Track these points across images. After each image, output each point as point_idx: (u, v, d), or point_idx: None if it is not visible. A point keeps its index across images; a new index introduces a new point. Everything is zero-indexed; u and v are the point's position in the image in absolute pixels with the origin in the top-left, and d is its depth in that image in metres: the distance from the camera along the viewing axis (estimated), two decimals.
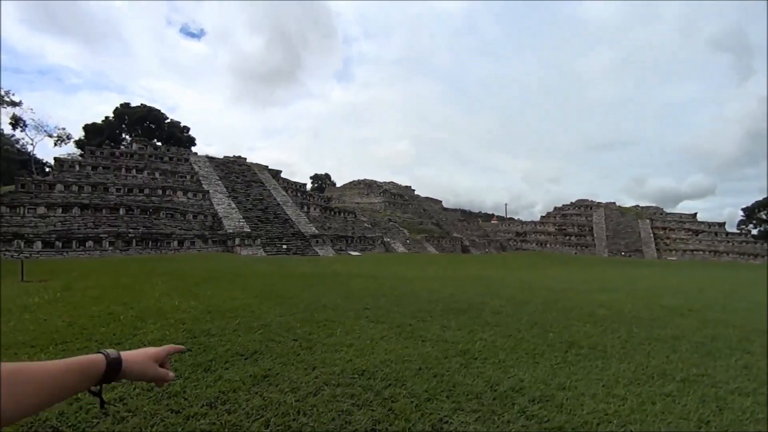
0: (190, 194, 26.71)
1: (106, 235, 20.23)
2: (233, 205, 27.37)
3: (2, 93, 42.55)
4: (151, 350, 0.85)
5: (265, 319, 5.02)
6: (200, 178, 29.03)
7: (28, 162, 47.16)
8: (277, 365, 3.37)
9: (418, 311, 5.92)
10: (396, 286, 9.02)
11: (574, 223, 51.92)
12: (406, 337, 4.43)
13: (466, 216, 64.67)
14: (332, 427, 2.42)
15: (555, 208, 56.85)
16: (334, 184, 71.37)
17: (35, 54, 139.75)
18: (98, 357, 0.74)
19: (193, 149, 48.94)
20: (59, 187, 22.21)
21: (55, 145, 50.69)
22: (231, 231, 24.32)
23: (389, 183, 50.94)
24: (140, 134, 51.53)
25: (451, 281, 10.85)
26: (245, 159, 35.56)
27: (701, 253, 43.85)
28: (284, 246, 25.31)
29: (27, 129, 47.04)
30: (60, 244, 18.91)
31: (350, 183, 51.45)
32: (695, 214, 51.19)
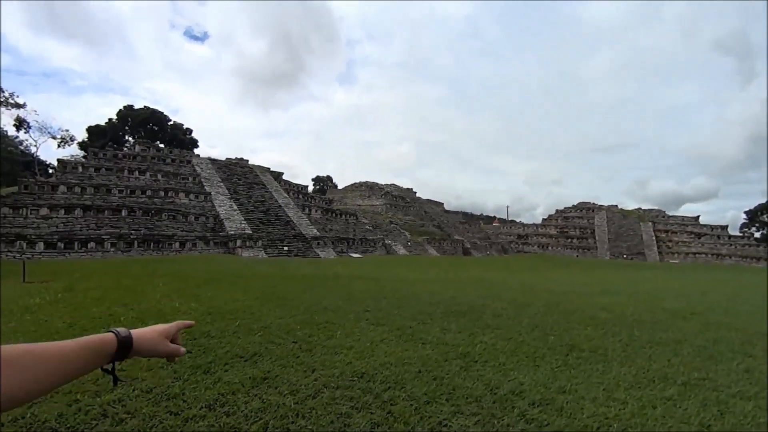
0: (192, 196, 26.77)
1: (108, 237, 20.29)
2: (235, 207, 27.42)
3: (7, 95, 42.79)
4: (161, 327, 0.86)
5: (265, 321, 5.02)
6: (202, 179, 29.10)
7: (32, 163, 47.43)
8: (276, 367, 3.37)
9: (419, 314, 5.91)
10: (397, 288, 9.01)
11: (575, 225, 51.80)
12: (407, 340, 4.42)
13: (468, 218, 64.60)
14: (331, 430, 2.41)
15: (557, 211, 56.76)
16: (336, 187, 71.47)
17: (40, 56, 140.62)
18: (109, 336, 0.75)
19: (196, 151, 49.09)
20: (62, 188, 22.30)
21: (59, 146, 51.05)
22: (232, 233, 24.35)
23: (391, 185, 50.95)
24: (143, 136, 51.75)
25: (452, 284, 10.83)
26: (247, 161, 35.64)
27: (704, 256, 43.66)
28: (285, 248, 25.32)
29: (31, 131, 47.37)
30: (62, 245, 18.96)
31: (352, 185, 51.49)
32: (698, 217, 51.03)
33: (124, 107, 57.24)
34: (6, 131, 46.18)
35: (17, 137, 48.09)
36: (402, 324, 5.17)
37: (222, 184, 29.57)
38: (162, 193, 25.63)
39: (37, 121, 47.84)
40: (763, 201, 66.57)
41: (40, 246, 18.50)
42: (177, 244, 22.28)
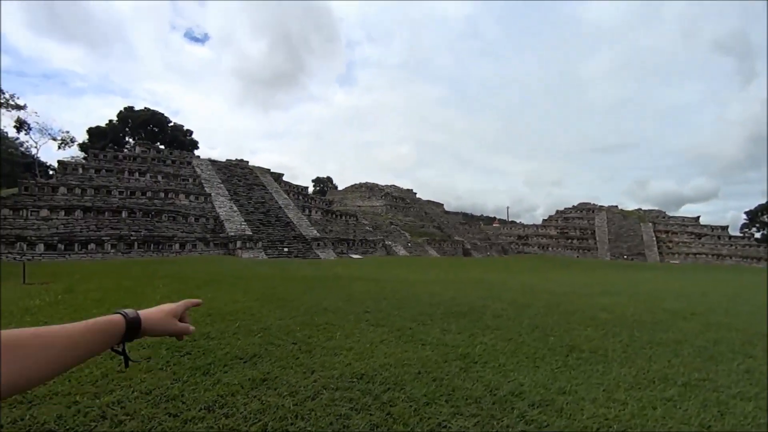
0: (192, 197, 26.79)
1: (108, 238, 20.30)
2: (235, 208, 27.43)
3: (7, 96, 42.86)
4: (169, 306, 0.86)
5: (265, 323, 5.02)
6: (202, 181, 29.12)
7: (32, 165, 47.48)
8: (276, 369, 3.37)
9: (419, 315, 5.90)
10: (397, 289, 9.01)
11: (576, 226, 51.79)
12: (406, 341, 4.42)
13: (468, 219, 64.61)
14: None
15: (557, 212, 56.75)
16: (336, 188, 71.51)
17: (40, 58, 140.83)
18: (116, 317, 0.75)
19: (196, 152, 49.12)
20: (62, 189, 22.32)
21: (59, 148, 51.11)
22: (232, 234, 24.35)
23: (391, 186, 50.98)
24: (144, 137, 51.81)
25: (452, 285, 10.82)
26: (247, 162, 35.69)
27: (704, 256, 43.64)
28: (286, 249, 25.32)
29: (31, 132, 47.46)
30: (62, 247, 18.97)
31: (352, 186, 51.52)
32: (698, 217, 51.02)
33: (125, 109, 57.34)
34: (6, 133, 46.29)
35: (18, 139, 48.22)
36: (402, 325, 5.16)
37: (222, 185, 29.59)
38: (162, 195, 25.65)
39: (37, 123, 47.97)
40: (764, 201, 66.58)
41: (41, 247, 18.50)
42: (177, 246, 22.28)
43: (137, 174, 26.76)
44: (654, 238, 47.48)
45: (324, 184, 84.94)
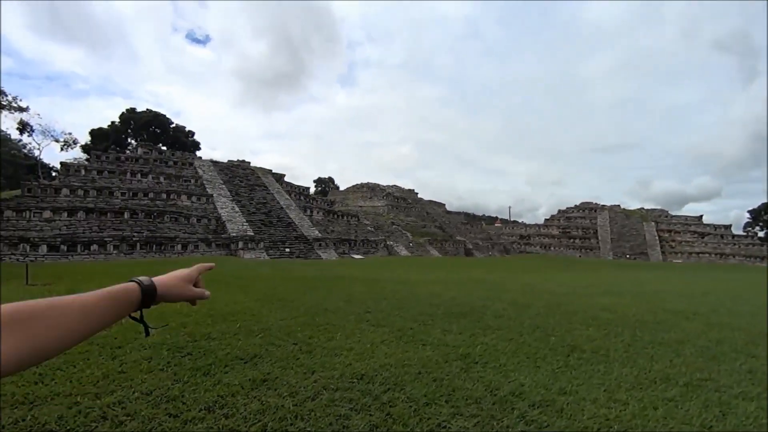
0: (194, 198, 26.85)
1: (110, 239, 20.36)
2: (237, 209, 27.47)
3: (10, 98, 43.06)
4: (182, 272, 0.86)
5: (266, 323, 5.02)
6: (204, 182, 29.19)
7: (35, 166, 47.68)
8: (276, 369, 3.37)
9: (420, 315, 5.90)
10: (398, 289, 9.00)
11: (578, 226, 51.66)
12: (407, 341, 4.42)
13: (470, 219, 64.54)
14: None
15: (559, 211, 56.63)
16: (338, 188, 71.51)
17: (42, 60, 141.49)
18: (131, 285, 0.75)
19: (198, 153, 49.27)
20: (65, 191, 22.41)
21: (62, 149, 51.25)
22: (234, 234, 24.39)
23: (392, 186, 50.96)
24: (146, 139, 51.97)
25: (453, 285, 10.81)
26: (249, 163, 35.74)
27: (707, 255, 43.45)
28: (287, 249, 25.35)
29: (34, 134, 47.62)
30: (65, 248, 19.04)
31: (353, 186, 51.53)
32: (701, 216, 50.82)
33: (127, 110, 57.55)
34: (9, 135, 46.50)
35: (20, 140, 48.39)
36: (402, 325, 5.16)
37: (224, 186, 29.65)
38: (164, 196, 25.72)
39: (40, 125, 48.33)
40: (767, 200, 66.25)
41: (43, 249, 18.58)
42: (179, 246, 22.33)
43: (139, 175, 26.84)
44: (657, 238, 47.32)
45: (325, 184, 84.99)
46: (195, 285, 0.87)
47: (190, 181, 28.72)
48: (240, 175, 32.33)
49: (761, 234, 62.13)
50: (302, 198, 34.37)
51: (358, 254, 28.50)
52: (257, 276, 11.67)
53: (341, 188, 64.87)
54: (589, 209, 54.34)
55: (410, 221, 41.56)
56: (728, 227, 48.02)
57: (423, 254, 33.26)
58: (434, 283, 11.32)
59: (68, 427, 2.41)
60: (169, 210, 24.36)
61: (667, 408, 2.88)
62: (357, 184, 51.27)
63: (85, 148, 51.14)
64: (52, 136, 49.28)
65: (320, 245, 26.97)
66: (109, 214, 22.08)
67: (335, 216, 33.72)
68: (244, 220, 26.42)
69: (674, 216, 52.57)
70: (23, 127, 46.05)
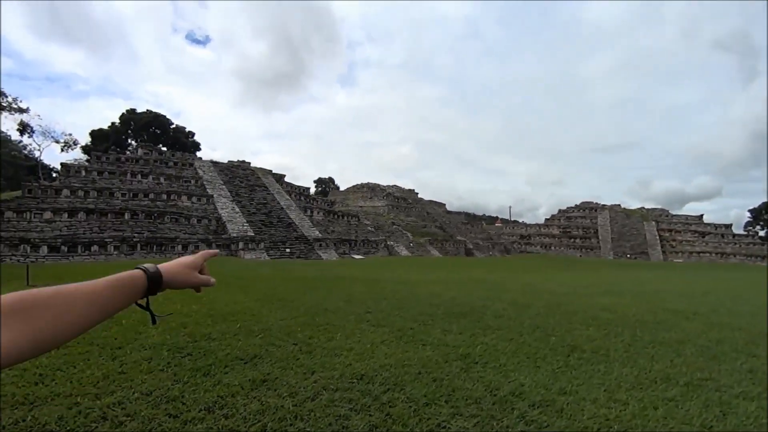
0: (194, 199, 26.86)
1: (111, 240, 20.38)
2: (237, 210, 27.48)
3: (10, 99, 43.11)
4: (187, 258, 0.85)
5: (266, 323, 5.02)
6: (204, 182, 29.20)
7: (35, 167, 47.72)
8: (276, 369, 3.37)
9: (420, 315, 5.90)
10: (398, 289, 9.00)
11: (578, 225, 51.64)
12: (407, 341, 4.42)
13: (470, 219, 64.52)
14: None
15: (559, 211, 56.61)
16: (338, 188, 71.50)
17: (43, 61, 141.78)
18: (137, 272, 0.74)
19: (198, 154, 49.34)
20: (65, 192, 22.43)
21: (62, 150, 51.33)
22: (235, 235, 24.40)
23: (392, 186, 50.95)
24: (146, 139, 52.00)
25: (453, 284, 10.81)
26: (249, 163, 35.75)
27: (708, 255, 43.41)
28: (287, 250, 25.35)
29: (34, 135, 47.67)
30: (65, 249, 19.06)
31: (354, 187, 51.53)
32: (701, 215, 50.78)
33: (127, 111, 57.60)
34: (10, 136, 46.54)
35: (21, 141, 48.45)
36: (403, 325, 5.16)
37: (224, 186, 29.67)
38: (165, 196, 25.74)
39: (40, 126, 48.32)
40: (767, 199, 66.17)
41: (44, 249, 18.60)
42: (180, 247, 22.34)
43: (140, 176, 26.86)
44: (657, 237, 47.28)
45: (326, 184, 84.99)
46: (200, 272, 0.87)
47: (190, 182, 28.74)
48: (240, 176, 32.34)
49: (762, 233, 62.10)
50: (302, 198, 34.38)
51: (358, 254, 28.49)
52: (257, 276, 11.67)
53: (341, 188, 64.86)
54: (589, 209, 54.31)
55: (410, 221, 41.56)
56: (729, 226, 47.98)
57: (423, 254, 33.25)
58: (434, 283, 11.32)
59: (68, 428, 2.41)
60: (170, 211, 24.38)
61: (667, 408, 2.88)
62: (357, 185, 51.28)
63: (86, 149, 51.20)
64: (52, 137, 49.38)
65: (320, 245, 26.97)
66: (109, 214, 22.09)
67: (335, 216, 33.72)
68: (245, 221, 26.43)
69: (675, 215, 52.53)
70: (24, 128, 46.11)
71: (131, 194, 24.58)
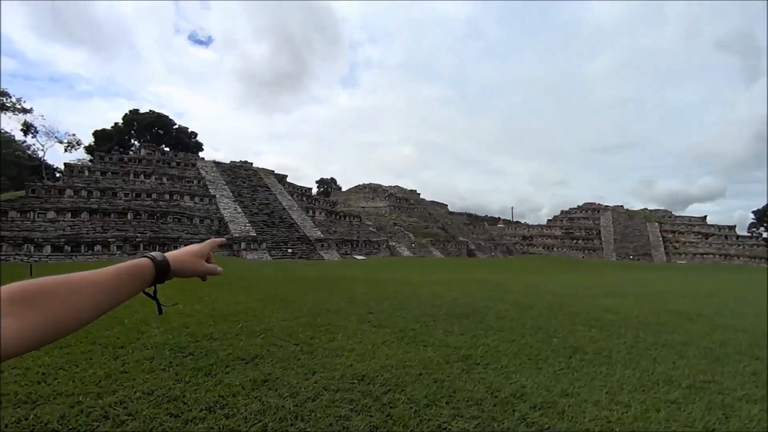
0: (197, 199, 26.94)
1: (114, 240, 20.45)
2: (239, 210, 27.54)
3: (14, 100, 43.36)
4: (194, 247, 0.85)
5: (267, 324, 5.03)
6: (207, 182, 29.28)
7: (39, 167, 47.97)
8: (277, 370, 3.37)
9: (421, 316, 5.89)
10: (400, 290, 9.00)
11: (581, 226, 51.48)
12: (408, 342, 4.41)
13: (472, 220, 64.40)
14: None
15: (562, 212, 56.45)
16: (340, 189, 71.56)
17: (47, 61, 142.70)
18: (144, 260, 0.74)
19: (201, 154, 49.52)
20: (69, 192, 22.53)
21: (66, 150, 51.69)
22: (237, 235, 24.44)
23: (394, 187, 50.96)
24: (149, 140, 52.14)
25: (455, 285, 10.79)
26: (251, 164, 35.81)
27: (711, 256, 43.20)
28: (290, 250, 25.38)
29: (38, 135, 47.97)
30: (69, 248, 19.14)
31: (356, 187, 51.56)
32: (705, 217, 50.54)
33: (130, 111, 57.85)
34: (13, 136, 46.82)
35: (25, 142, 48.76)
36: (404, 326, 5.16)
37: (226, 186, 29.74)
38: (167, 196, 25.82)
39: (44, 126, 48.57)
40: None
41: (48, 249, 18.68)
42: (182, 247, 22.39)
43: (142, 176, 26.96)
44: (660, 238, 47.09)
45: (328, 185, 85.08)
46: (207, 260, 0.87)
47: (192, 182, 28.82)
48: (242, 176, 32.41)
49: (766, 235, 61.69)
50: (304, 199, 34.42)
51: (360, 255, 28.50)
52: (259, 276, 11.69)
53: (343, 189, 64.90)
54: (592, 210, 54.14)
55: (412, 222, 41.55)
56: (732, 228, 47.73)
57: (425, 255, 33.22)
58: (436, 283, 11.30)
59: (70, 427, 2.42)
60: (172, 211, 24.45)
61: (669, 410, 2.86)
62: (359, 185, 51.32)
63: (89, 149, 51.45)
64: (55, 137, 49.70)
65: (322, 246, 26.98)
66: (112, 214, 22.18)
67: (337, 217, 33.74)
68: (247, 221, 26.48)
69: (678, 216, 52.31)
70: (27, 128, 46.40)
71: (134, 194, 24.67)
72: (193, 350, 3.85)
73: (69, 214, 20.98)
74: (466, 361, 3.79)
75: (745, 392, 3.25)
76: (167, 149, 38.71)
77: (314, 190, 44.18)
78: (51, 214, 20.60)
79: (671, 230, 48.58)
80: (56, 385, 2.96)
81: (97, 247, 19.89)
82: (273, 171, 35.75)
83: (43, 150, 50.14)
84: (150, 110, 58.65)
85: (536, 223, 58.33)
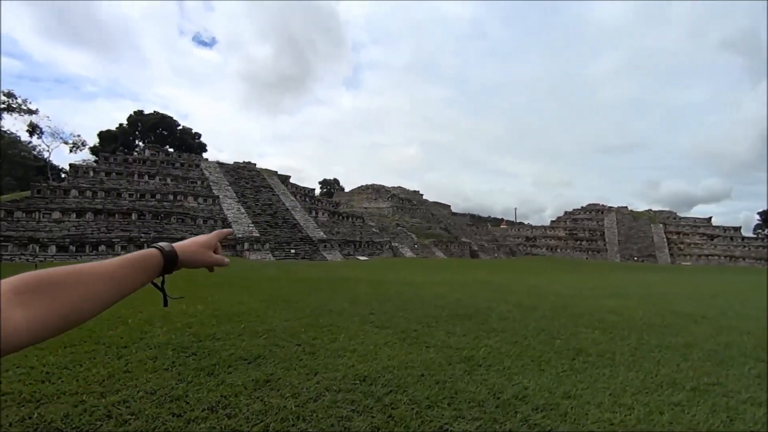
0: (200, 199, 27.06)
1: (118, 240, 20.57)
2: (243, 210, 27.63)
3: (20, 101, 43.75)
4: (202, 238, 0.85)
5: (270, 324, 5.04)
6: (210, 183, 29.41)
7: (44, 168, 48.36)
8: (279, 370, 3.38)
9: (424, 317, 5.89)
10: (402, 291, 8.99)
11: (585, 227, 51.27)
12: (410, 343, 4.41)
13: (475, 221, 64.31)
14: None
15: (565, 213, 56.25)
16: (343, 189, 71.59)
17: (52, 63, 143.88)
18: (153, 251, 0.73)
19: (204, 155, 49.75)
20: (74, 192, 22.71)
21: (71, 151, 52.08)
22: (240, 236, 24.52)
23: (397, 188, 50.97)
24: (153, 141, 52.48)
25: (458, 286, 10.77)
26: (255, 165, 35.94)
27: (716, 258, 42.91)
28: (293, 251, 25.43)
29: (43, 136, 48.39)
30: (74, 248, 19.27)
31: (358, 188, 51.61)
32: (710, 218, 50.20)
33: (135, 112, 58.20)
34: (19, 137, 47.23)
35: (30, 143, 49.16)
36: (406, 327, 5.15)
37: (230, 187, 29.85)
38: (171, 197, 25.95)
39: (49, 127, 48.97)
40: None
41: (52, 249, 18.82)
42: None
43: (147, 177, 27.12)
44: (665, 240, 46.82)
45: (331, 186, 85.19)
46: (214, 251, 0.87)
47: (196, 183, 28.96)
48: (246, 177, 32.53)
49: None
50: (307, 199, 34.50)
51: (363, 256, 28.51)
52: (262, 277, 11.72)
53: (346, 190, 64.95)
54: (596, 211, 53.91)
55: (415, 223, 41.52)
56: (738, 229, 47.39)
57: (428, 256, 33.19)
58: (439, 284, 11.29)
59: (74, 425, 2.44)
60: (176, 211, 24.57)
61: (673, 413, 2.85)
62: (362, 186, 51.35)
63: (94, 150, 51.80)
64: (61, 138, 50.13)
65: (325, 246, 27.02)
66: (117, 215, 22.32)
67: (340, 217, 33.78)
68: (250, 222, 26.56)
69: (683, 218, 52.01)
70: (33, 129, 46.79)
71: (138, 195, 24.82)
72: (196, 350, 3.87)
73: (74, 215, 21.14)
74: (468, 362, 3.78)
75: (749, 395, 3.22)
76: (171, 150, 38.92)
77: (317, 191, 44.24)
78: (56, 215, 20.76)
79: (676, 231, 48.30)
80: (60, 384, 2.98)
81: (102, 247, 20.01)
82: (276, 172, 35.85)
83: (48, 151, 50.61)
84: (154, 111, 59.04)
85: (540, 225, 58.20)
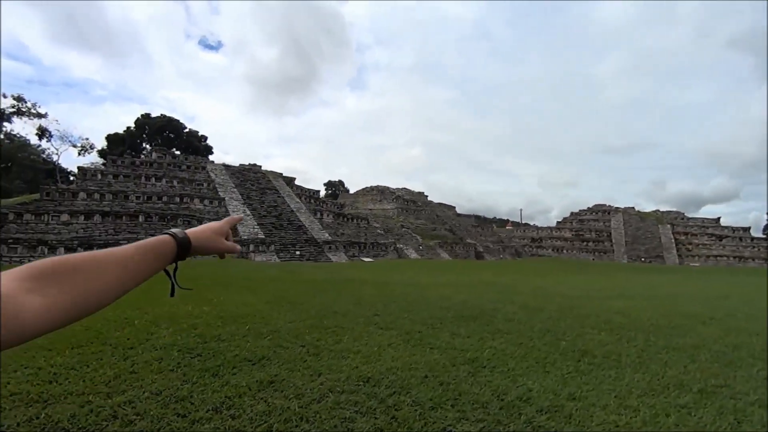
0: (206, 201, 27.24)
1: (125, 242, 20.59)
2: (248, 212, 27.77)
3: (29, 105, 44.37)
4: (214, 224, 0.86)
5: (275, 325, 5.06)
6: (216, 185, 29.60)
7: (53, 171, 48.98)
8: (283, 371, 3.39)
9: (429, 318, 5.88)
10: (407, 292, 8.98)
11: (591, 228, 50.87)
12: (414, 345, 4.40)
13: (480, 222, 64.05)
14: None
15: (572, 213, 55.85)
16: (348, 191, 71.77)
17: (62, 67, 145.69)
18: (166, 237, 0.74)
19: (210, 157, 50.09)
20: (82, 195, 22.97)
21: (79, 154, 52.67)
22: (245, 237, 24.64)
23: (402, 189, 50.95)
24: (160, 143, 52.99)
25: (463, 287, 10.74)
26: (260, 167, 36.12)
27: (725, 258, 42.35)
28: (297, 252, 25.50)
29: (52, 139, 49.01)
30: (82, 250, 19.45)
31: (363, 189, 51.64)
32: (718, 218, 49.54)
33: (142, 116, 58.79)
34: (29, 140, 47.89)
35: (39, 146, 49.81)
36: (411, 328, 5.15)
37: (235, 189, 30.03)
38: (178, 199, 26.16)
39: (58, 130, 49.70)
40: None
41: (61, 251, 19.02)
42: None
43: (154, 179, 27.36)
44: (673, 240, 46.30)
45: (335, 187, 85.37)
46: (226, 238, 0.87)
47: (202, 185, 29.16)
48: (251, 179, 32.70)
49: None
50: (312, 201, 34.59)
51: (368, 257, 28.52)
52: (267, 278, 11.76)
53: (351, 191, 65.09)
54: (602, 211, 53.49)
55: (420, 224, 41.47)
56: (747, 230, 46.74)
57: (433, 257, 33.12)
58: (444, 286, 11.26)
59: (80, 426, 2.46)
60: (183, 213, 24.76)
61: (679, 415, 2.82)
62: (367, 187, 51.38)
63: (102, 153, 52.38)
64: (69, 141, 50.77)
65: (330, 248, 27.07)
66: (124, 217, 22.54)
67: (345, 219, 33.82)
68: (255, 223, 26.69)
69: (691, 218, 51.39)
70: (42, 132, 47.42)
71: (145, 197, 25.04)
72: (201, 351, 3.90)
73: (82, 217, 21.37)
74: (473, 363, 3.77)
75: (757, 397, 3.18)
76: (178, 153, 39.27)
77: (322, 193, 44.32)
78: (65, 217, 21.00)
79: (684, 232, 47.75)
80: (67, 385, 3.02)
81: None
82: (281, 173, 35.99)
83: (57, 154, 51.26)
84: (161, 114, 59.60)
85: (546, 225, 57.85)
